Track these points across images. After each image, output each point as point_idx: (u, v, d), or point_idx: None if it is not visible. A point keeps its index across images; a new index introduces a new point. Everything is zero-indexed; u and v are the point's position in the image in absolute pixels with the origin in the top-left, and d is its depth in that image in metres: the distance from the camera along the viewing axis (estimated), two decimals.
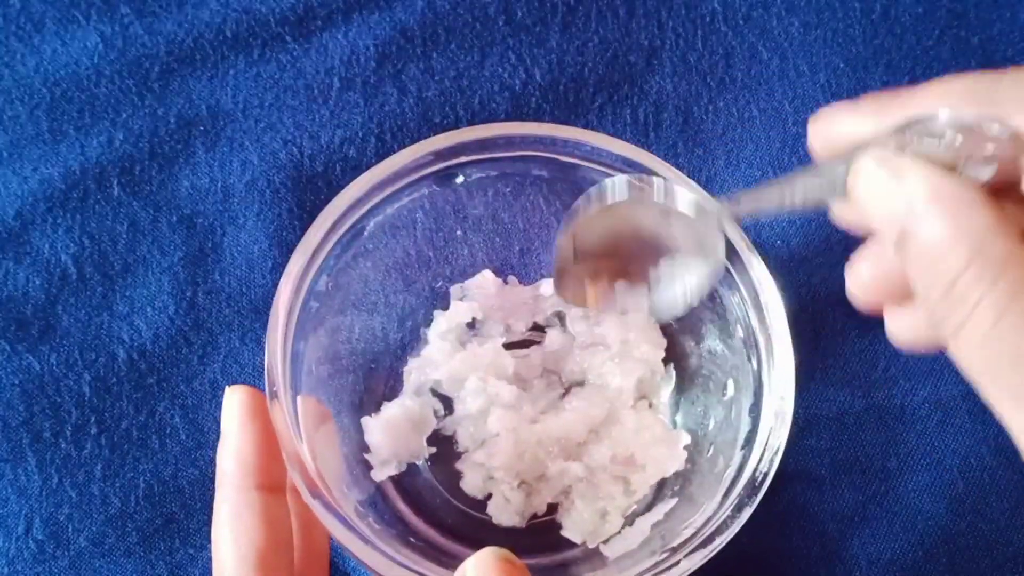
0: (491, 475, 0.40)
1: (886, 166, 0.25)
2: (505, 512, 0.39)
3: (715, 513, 0.34)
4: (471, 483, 0.40)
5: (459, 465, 0.40)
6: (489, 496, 0.40)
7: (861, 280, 0.29)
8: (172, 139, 0.49)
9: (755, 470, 0.34)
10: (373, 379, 0.42)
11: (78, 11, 0.52)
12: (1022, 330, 0.23)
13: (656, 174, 0.39)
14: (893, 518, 0.41)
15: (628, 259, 0.37)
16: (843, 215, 0.30)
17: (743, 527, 0.41)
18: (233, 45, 0.51)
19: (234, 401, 0.33)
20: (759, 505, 0.41)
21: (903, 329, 0.29)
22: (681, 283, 0.36)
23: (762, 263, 0.37)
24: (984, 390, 0.24)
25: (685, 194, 0.34)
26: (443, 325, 0.43)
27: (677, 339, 0.43)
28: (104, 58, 0.50)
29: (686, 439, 0.40)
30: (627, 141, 0.41)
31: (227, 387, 0.34)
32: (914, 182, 0.25)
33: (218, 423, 0.43)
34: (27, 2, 0.52)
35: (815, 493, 0.42)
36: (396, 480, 0.40)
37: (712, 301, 0.40)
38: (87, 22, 0.51)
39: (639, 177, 0.35)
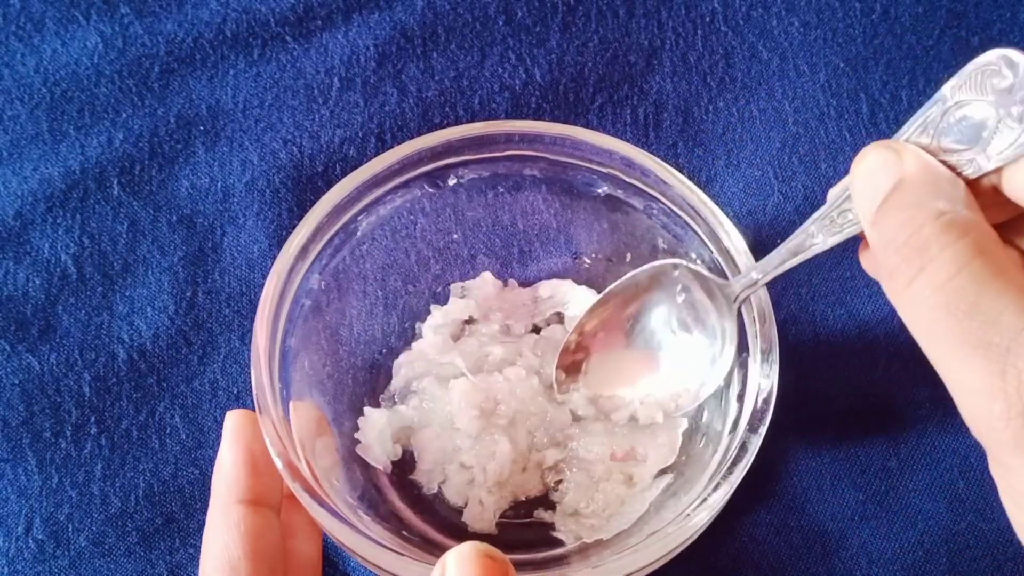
0: (472, 479, 0.40)
1: (887, 145, 0.28)
2: (481, 519, 0.39)
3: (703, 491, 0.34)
4: (453, 489, 0.40)
5: (447, 467, 0.40)
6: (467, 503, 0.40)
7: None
8: (172, 139, 0.49)
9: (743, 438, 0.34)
10: (368, 376, 0.42)
11: (78, 11, 0.52)
12: (979, 284, 0.24)
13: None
14: (893, 517, 0.41)
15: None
16: (866, 256, 0.31)
17: (743, 527, 0.41)
18: (233, 45, 0.51)
19: (227, 424, 0.35)
20: (759, 505, 0.41)
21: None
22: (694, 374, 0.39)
23: (747, 249, 0.37)
24: (929, 342, 0.25)
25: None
26: (438, 319, 0.43)
27: None
28: (104, 58, 0.51)
29: (683, 424, 0.40)
30: (627, 141, 0.41)
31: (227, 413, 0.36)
32: (911, 158, 0.27)
33: (218, 423, 0.43)
34: (27, 2, 0.52)
35: (815, 493, 0.42)
36: (390, 475, 0.40)
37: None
38: (87, 22, 0.51)
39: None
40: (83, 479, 0.42)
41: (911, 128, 0.29)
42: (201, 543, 0.38)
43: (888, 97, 0.50)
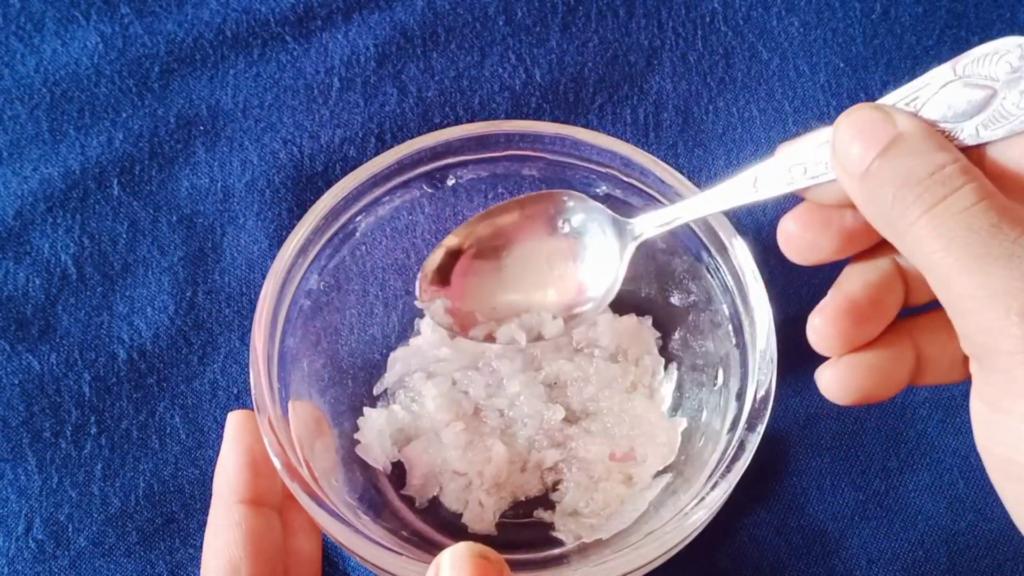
0: (469, 483, 0.40)
1: (876, 106, 0.29)
2: (481, 520, 0.39)
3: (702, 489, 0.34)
4: (451, 496, 0.40)
5: (440, 477, 0.40)
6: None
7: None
8: (172, 139, 0.49)
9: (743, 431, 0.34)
10: (368, 376, 0.42)
11: (78, 11, 0.52)
12: (999, 212, 0.26)
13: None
14: (893, 517, 0.41)
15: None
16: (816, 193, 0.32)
17: (743, 527, 0.41)
18: (233, 45, 0.51)
19: (229, 424, 0.35)
20: (758, 505, 0.41)
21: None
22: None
23: (745, 247, 0.37)
24: (945, 257, 0.27)
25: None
26: None
27: (670, 333, 0.43)
28: (104, 58, 0.51)
29: (683, 424, 0.40)
30: (627, 141, 0.41)
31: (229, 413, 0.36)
32: (904, 118, 0.29)
33: (218, 423, 0.43)
34: (27, 2, 0.52)
35: (815, 493, 0.42)
36: (390, 475, 0.40)
37: (701, 292, 0.40)
38: (87, 22, 0.51)
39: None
40: (83, 479, 0.42)
41: (897, 97, 0.30)
42: (201, 543, 0.38)
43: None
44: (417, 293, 0.39)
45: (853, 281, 0.32)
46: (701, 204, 0.35)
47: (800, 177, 0.32)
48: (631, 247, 0.38)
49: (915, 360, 0.32)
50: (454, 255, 0.40)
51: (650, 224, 0.37)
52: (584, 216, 0.39)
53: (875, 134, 0.28)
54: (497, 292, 0.40)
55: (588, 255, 0.39)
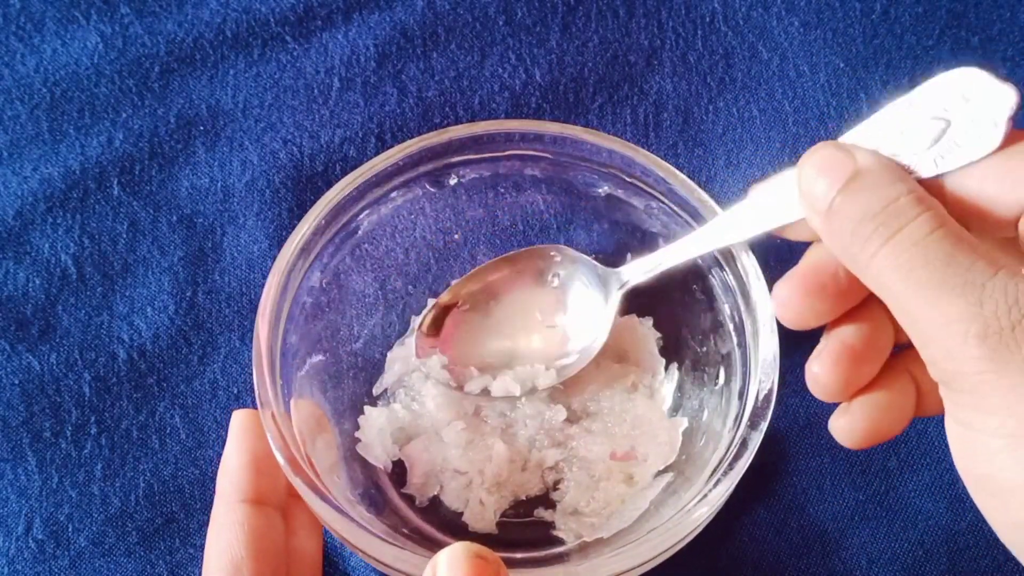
0: (469, 482, 0.40)
1: (836, 144, 0.30)
2: (482, 518, 0.39)
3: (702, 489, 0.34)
4: (451, 495, 0.40)
5: (441, 476, 0.40)
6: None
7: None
8: (172, 139, 0.49)
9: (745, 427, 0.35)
10: (369, 375, 0.42)
11: (78, 11, 0.52)
12: (953, 242, 0.27)
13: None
14: (893, 517, 0.41)
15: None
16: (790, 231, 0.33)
17: (743, 527, 0.41)
18: (233, 45, 0.51)
19: (233, 424, 0.35)
20: (758, 504, 0.41)
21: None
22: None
23: (747, 247, 0.37)
24: (904, 289, 0.27)
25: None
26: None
27: (670, 334, 0.43)
28: (104, 58, 0.51)
29: (684, 423, 0.40)
30: (627, 141, 0.41)
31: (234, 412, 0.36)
32: (863, 154, 0.30)
33: (218, 423, 0.43)
34: (27, 2, 0.52)
35: (815, 493, 0.42)
36: (391, 473, 0.40)
37: (703, 291, 0.40)
38: (87, 22, 0.51)
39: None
40: (83, 479, 0.42)
41: (858, 134, 0.31)
42: (201, 543, 0.38)
43: (888, 97, 0.50)
44: (413, 351, 0.41)
45: (845, 324, 0.32)
46: (683, 249, 0.37)
47: (773, 218, 0.33)
48: (617, 295, 0.39)
49: (916, 393, 0.33)
50: (446, 310, 0.41)
51: (636, 271, 0.39)
52: (571, 268, 0.41)
53: (836, 171, 0.29)
54: (489, 343, 0.42)
55: (576, 306, 0.41)
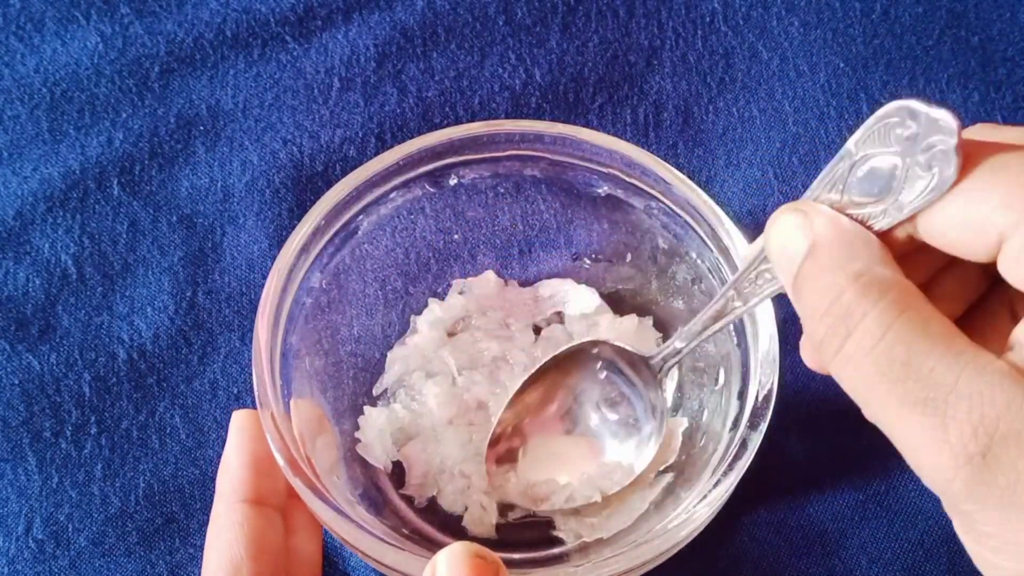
0: (469, 485, 0.40)
1: (795, 208, 0.28)
2: (482, 521, 0.39)
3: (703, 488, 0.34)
4: (448, 499, 0.40)
5: (439, 477, 0.40)
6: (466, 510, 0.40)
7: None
8: (172, 139, 0.49)
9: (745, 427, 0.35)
10: (369, 375, 0.42)
11: (78, 11, 0.52)
12: (907, 344, 0.24)
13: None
14: (893, 517, 0.41)
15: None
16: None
17: (743, 527, 0.41)
18: (233, 45, 0.51)
19: (233, 424, 0.35)
20: (759, 504, 0.41)
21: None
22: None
23: (747, 247, 0.37)
24: (868, 405, 0.25)
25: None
26: (436, 312, 0.43)
27: (671, 333, 0.43)
28: (104, 58, 0.51)
29: (684, 424, 0.40)
30: (627, 141, 0.41)
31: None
32: (820, 221, 0.27)
33: (218, 423, 0.43)
34: (27, 2, 0.52)
35: (815, 493, 0.42)
36: (391, 474, 0.40)
37: (703, 292, 0.40)
38: (87, 22, 0.51)
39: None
40: (83, 479, 0.42)
41: (820, 185, 0.28)
42: (201, 543, 0.38)
43: (888, 97, 0.50)
44: (487, 482, 0.39)
45: None
46: (694, 330, 0.35)
47: (768, 284, 0.32)
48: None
49: None
50: (514, 431, 0.40)
51: (669, 356, 0.37)
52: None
53: (795, 244, 0.27)
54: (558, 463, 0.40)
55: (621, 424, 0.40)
